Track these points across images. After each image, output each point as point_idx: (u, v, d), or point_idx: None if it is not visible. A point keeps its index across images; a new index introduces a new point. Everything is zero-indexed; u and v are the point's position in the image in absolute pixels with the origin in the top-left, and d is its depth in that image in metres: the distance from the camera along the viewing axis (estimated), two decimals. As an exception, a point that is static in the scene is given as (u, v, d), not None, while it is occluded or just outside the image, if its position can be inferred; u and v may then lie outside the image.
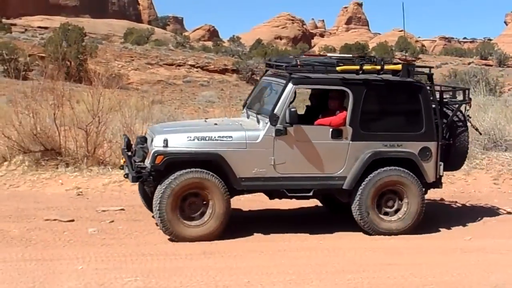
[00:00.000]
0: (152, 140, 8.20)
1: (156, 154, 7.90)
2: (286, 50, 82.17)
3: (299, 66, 8.35)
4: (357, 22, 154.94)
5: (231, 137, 8.09)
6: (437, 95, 9.08)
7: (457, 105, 9.15)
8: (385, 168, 8.38)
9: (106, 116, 12.04)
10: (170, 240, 8.02)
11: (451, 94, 9.71)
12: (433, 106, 8.67)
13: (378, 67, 8.49)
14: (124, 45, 65.88)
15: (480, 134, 10.60)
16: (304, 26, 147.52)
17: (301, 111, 9.08)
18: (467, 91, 9.49)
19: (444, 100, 9.24)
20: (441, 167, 8.69)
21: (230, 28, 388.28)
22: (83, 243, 7.93)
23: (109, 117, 12.35)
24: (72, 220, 8.92)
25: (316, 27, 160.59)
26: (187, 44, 79.84)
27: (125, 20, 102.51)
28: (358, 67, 8.38)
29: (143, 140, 8.63)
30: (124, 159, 8.79)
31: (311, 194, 8.36)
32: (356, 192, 8.37)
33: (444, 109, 9.07)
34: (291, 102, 8.29)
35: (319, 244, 8.15)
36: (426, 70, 9.28)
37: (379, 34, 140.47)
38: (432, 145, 8.59)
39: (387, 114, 8.61)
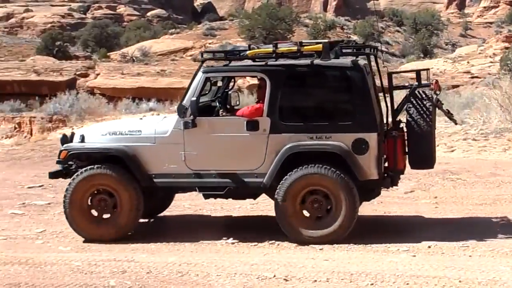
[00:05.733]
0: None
1: (61, 150, 7.94)
2: None
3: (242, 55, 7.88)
4: None
5: (140, 131, 7.88)
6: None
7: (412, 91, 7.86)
8: (304, 166, 7.43)
9: None
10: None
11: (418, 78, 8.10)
12: (372, 91, 7.61)
13: (294, 49, 7.68)
14: None
15: (456, 123, 8.99)
16: None
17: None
18: (426, 72, 8.18)
19: (403, 85, 8.22)
20: (383, 163, 7.57)
21: None
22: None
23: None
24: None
25: None
26: None
27: None
28: (271, 50, 7.72)
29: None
30: None
31: (223, 193, 7.72)
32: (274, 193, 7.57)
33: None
34: (203, 93, 7.96)
35: None
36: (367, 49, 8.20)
37: None
38: (370, 137, 7.43)
39: (311, 102, 7.80)
